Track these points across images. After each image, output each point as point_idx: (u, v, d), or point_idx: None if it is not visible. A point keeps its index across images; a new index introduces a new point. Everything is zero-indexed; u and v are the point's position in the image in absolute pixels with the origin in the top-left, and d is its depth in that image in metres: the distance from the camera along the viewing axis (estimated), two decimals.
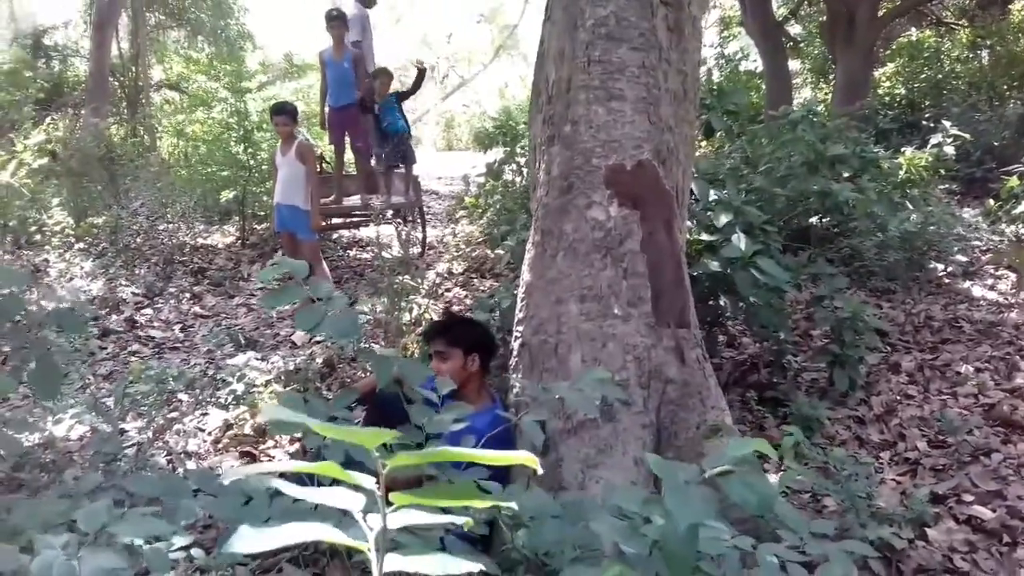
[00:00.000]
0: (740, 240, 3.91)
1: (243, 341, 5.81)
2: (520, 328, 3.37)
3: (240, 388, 4.32)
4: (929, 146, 6.71)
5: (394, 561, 0.79)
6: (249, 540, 0.82)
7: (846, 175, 5.70)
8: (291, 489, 0.82)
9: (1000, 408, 4.20)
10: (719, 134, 4.74)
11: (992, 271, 6.75)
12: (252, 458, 4.09)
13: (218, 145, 9.11)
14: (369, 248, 9.04)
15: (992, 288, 6.38)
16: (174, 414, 4.28)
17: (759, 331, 4.45)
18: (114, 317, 6.45)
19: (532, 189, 3.96)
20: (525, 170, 8.25)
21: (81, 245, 7.78)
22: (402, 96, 8.38)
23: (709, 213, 4.08)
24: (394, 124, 8.30)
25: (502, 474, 3.19)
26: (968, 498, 3.51)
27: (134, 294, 6.86)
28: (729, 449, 1.78)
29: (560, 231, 3.30)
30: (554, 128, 3.45)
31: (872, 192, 5.45)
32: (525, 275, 3.42)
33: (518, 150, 8.60)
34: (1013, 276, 6.59)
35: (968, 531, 3.30)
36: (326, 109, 8.41)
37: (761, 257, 3.90)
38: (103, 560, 1.36)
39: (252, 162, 8.77)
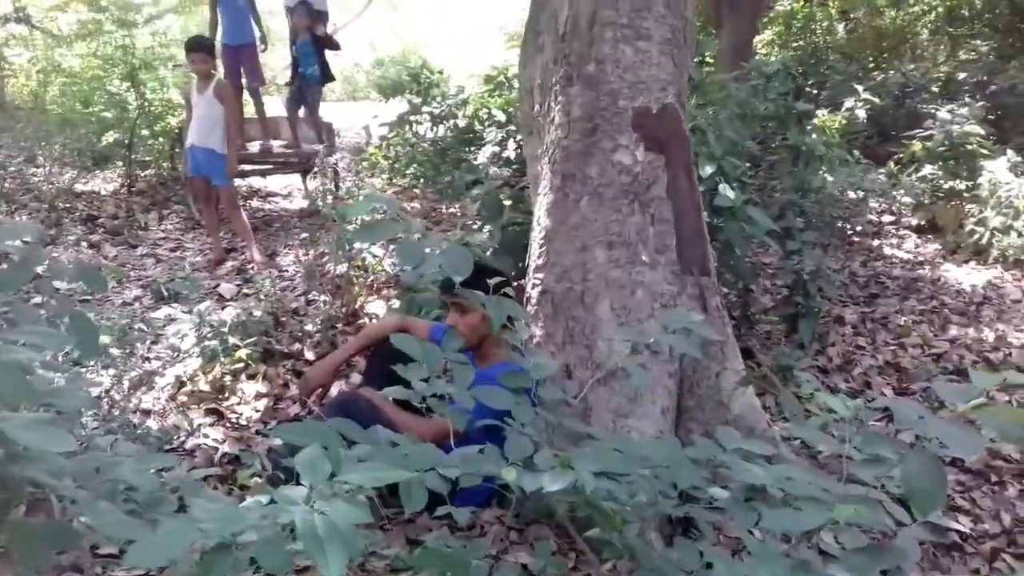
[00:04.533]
0: (727, 190, 3.92)
1: (165, 293, 5.38)
2: (540, 275, 3.24)
3: (215, 343, 3.99)
4: (843, 110, 6.99)
5: None
6: None
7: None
8: None
9: (949, 358, 4.44)
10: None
11: (894, 231, 7.14)
12: (219, 415, 3.80)
13: (99, 83, 8.36)
14: (270, 199, 8.59)
15: (898, 247, 6.75)
16: (147, 366, 3.90)
17: (726, 282, 4.50)
18: (4, 266, 5.81)
19: (529, 133, 3.83)
20: (442, 121, 8.04)
21: None
22: (321, 42, 7.93)
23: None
24: (305, 70, 7.88)
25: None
26: None
27: (24, 242, 6.20)
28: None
29: (584, 175, 3.19)
30: (571, 67, 3.32)
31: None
32: (543, 220, 3.29)
33: (429, 100, 8.35)
34: (914, 236, 6.99)
35: (956, 472, 3.47)
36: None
37: (749, 207, 3.92)
38: (349, 513, 1.17)
39: (143, 102, 8.10)
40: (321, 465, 1.28)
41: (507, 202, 4.80)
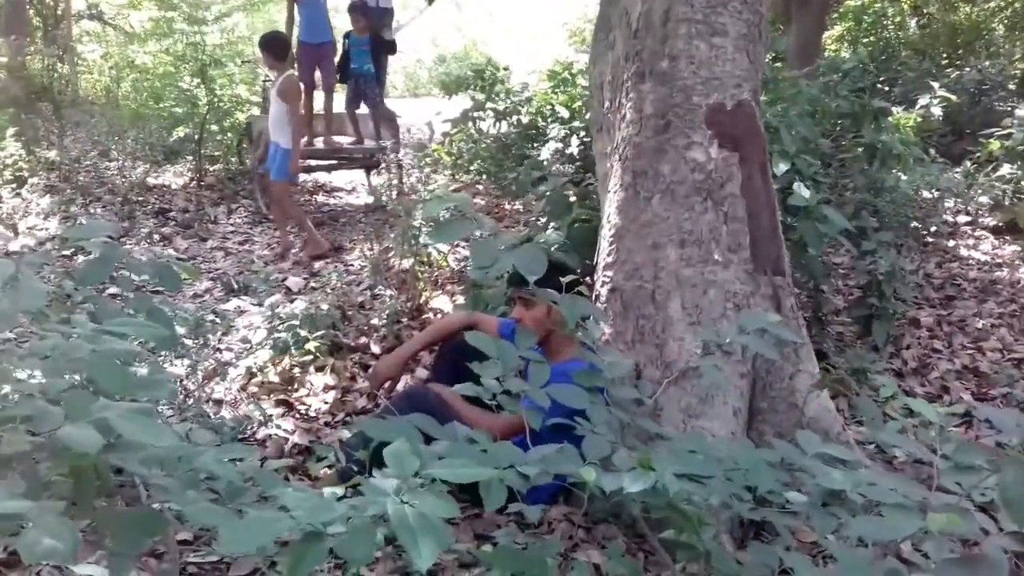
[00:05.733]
0: (802, 189, 3.84)
1: (235, 286, 5.49)
2: (609, 273, 3.22)
3: (287, 335, 4.06)
4: (917, 107, 6.80)
5: None
6: None
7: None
8: None
9: None
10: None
11: (970, 232, 6.93)
12: (289, 407, 3.86)
13: (170, 80, 8.58)
14: (335, 194, 8.71)
15: (975, 248, 6.55)
16: (218, 357, 3.98)
17: (796, 282, 4.41)
18: (81, 258, 5.99)
19: (598, 130, 3.80)
20: (505, 117, 8.04)
21: (35, 180, 7.21)
22: (379, 43, 8.03)
23: None
24: (360, 67, 7.99)
25: None
26: None
27: (106, 238, 6.38)
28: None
29: (656, 172, 3.15)
30: (644, 64, 3.27)
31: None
32: (613, 218, 3.26)
33: (494, 96, 8.34)
34: (991, 237, 6.78)
35: None
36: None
37: (824, 206, 3.84)
38: (438, 506, 1.18)
39: (213, 99, 8.27)
40: (409, 459, 1.28)
41: (571, 199, 4.78)
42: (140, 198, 7.67)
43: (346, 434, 3.56)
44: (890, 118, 6.55)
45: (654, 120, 3.19)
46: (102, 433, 1.16)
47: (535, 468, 1.58)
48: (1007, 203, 6.64)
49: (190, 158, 8.78)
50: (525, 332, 2.35)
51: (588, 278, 3.64)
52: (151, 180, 8.41)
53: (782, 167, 3.98)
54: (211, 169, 8.87)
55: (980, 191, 6.92)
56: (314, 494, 1.27)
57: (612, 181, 3.35)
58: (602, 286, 3.24)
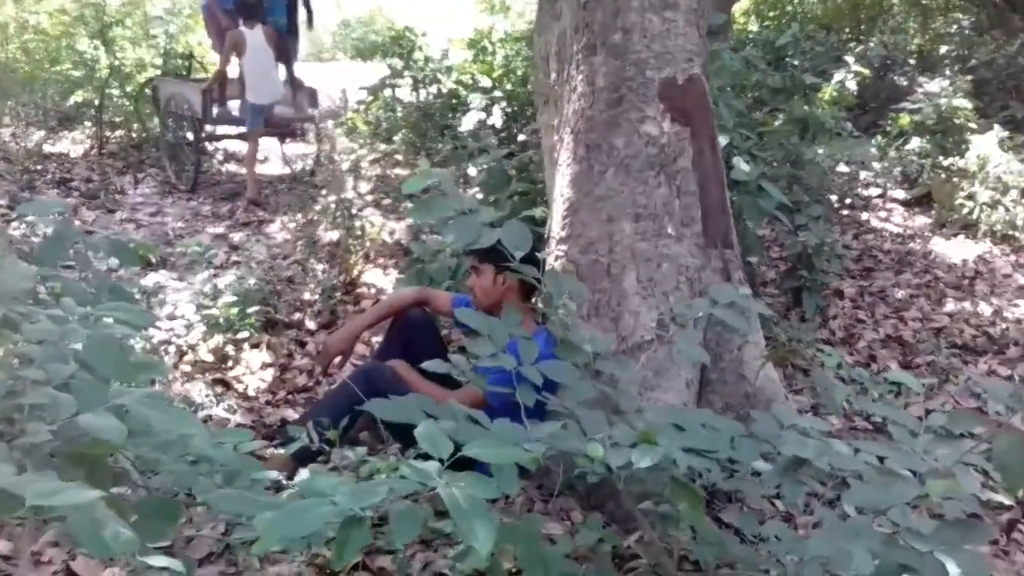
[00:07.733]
0: (741, 163, 3.90)
1: (153, 260, 5.25)
2: (563, 247, 3.20)
3: (219, 310, 3.90)
4: (833, 81, 6.99)
5: None
6: None
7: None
8: None
9: (951, 331, 4.50)
10: None
11: (881, 204, 7.19)
12: (226, 386, 3.72)
13: (68, 40, 8.12)
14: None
15: (887, 220, 6.81)
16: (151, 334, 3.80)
17: None
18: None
19: (544, 102, 3.77)
20: (424, 85, 7.91)
21: None
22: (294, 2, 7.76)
23: None
24: (276, 22, 7.70)
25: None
26: None
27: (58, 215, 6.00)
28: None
29: (610, 145, 3.14)
30: (594, 36, 3.24)
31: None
32: (566, 191, 3.24)
33: (412, 64, 8.18)
34: (902, 209, 7.06)
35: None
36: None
37: (763, 180, 3.91)
38: (482, 489, 1.15)
39: (114, 62, 7.86)
40: (443, 441, 1.24)
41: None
42: (39, 167, 7.24)
43: (292, 413, 3.48)
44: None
45: (607, 93, 3.18)
46: (126, 422, 1.09)
47: (539, 445, 1.55)
48: (922, 177, 6.89)
49: (89, 124, 8.35)
50: (511, 309, 2.30)
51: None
52: (47, 148, 7.95)
53: (722, 141, 4.02)
54: (112, 136, 8.44)
55: (888, 164, 7.18)
56: (345, 479, 1.21)
57: (563, 154, 3.32)
58: (556, 260, 3.22)
